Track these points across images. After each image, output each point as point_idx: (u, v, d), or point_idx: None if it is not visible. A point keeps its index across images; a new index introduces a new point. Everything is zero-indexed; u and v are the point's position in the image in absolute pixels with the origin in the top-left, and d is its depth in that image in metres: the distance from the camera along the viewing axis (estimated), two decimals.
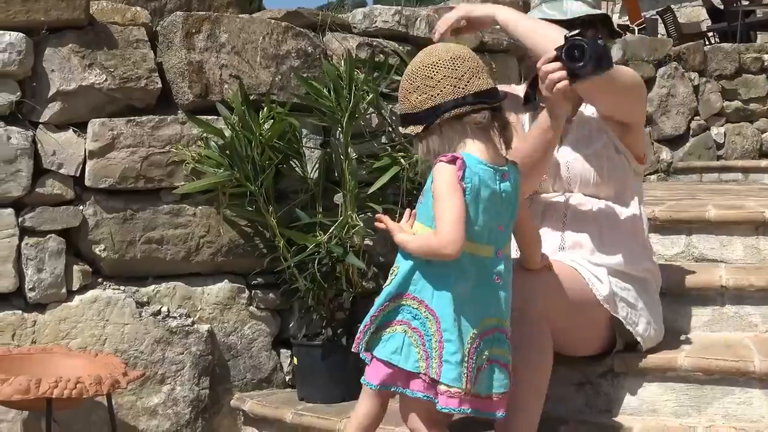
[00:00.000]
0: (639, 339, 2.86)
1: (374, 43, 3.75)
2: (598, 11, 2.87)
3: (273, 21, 3.61)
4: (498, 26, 2.90)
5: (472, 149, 2.32)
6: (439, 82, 2.32)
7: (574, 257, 2.80)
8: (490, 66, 2.63)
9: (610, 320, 2.82)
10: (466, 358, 2.30)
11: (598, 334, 2.87)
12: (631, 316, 2.83)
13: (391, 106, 3.65)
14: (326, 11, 3.87)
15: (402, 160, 3.48)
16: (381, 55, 3.74)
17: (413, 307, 2.35)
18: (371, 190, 3.48)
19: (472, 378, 2.31)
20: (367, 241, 3.69)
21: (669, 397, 2.95)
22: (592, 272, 2.77)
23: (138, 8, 3.51)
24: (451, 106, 2.31)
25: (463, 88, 2.31)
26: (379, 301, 2.39)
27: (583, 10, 2.85)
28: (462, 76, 2.32)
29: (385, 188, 3.52)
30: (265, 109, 3.40)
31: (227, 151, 3.34)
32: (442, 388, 2.30)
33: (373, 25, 3.81)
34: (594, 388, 3.02)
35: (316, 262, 3.36)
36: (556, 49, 2.44)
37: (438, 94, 2.32)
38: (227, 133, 3.34)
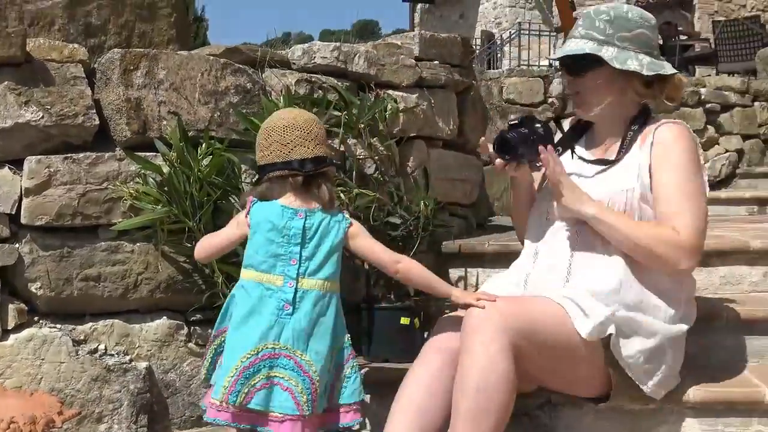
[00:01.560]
0: (640, 384, 2.83)
1: (313, 79, 3.78)
2: (585, 51, 2.85)
3: (212, 58, 3.62)
4: None
5: (281, 196, 2.84)
6: (270, 145, 2.81)
7: (573, 291, 2.79)
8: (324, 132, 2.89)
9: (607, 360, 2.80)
10: (232, 376, 2.68)
11: (592, 374, 2.85)
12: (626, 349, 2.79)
13: (330, 141, 3.68)
14: (266, 47, 3.87)
15: (341, 195, 3.50)
16: (320, 91, 3.77)
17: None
18: None
19: (238, 392, 2.66)
20: None
21: (605, 427, 2.99)
22: (584, 306, 2.73)
23: (76, 45, 3.51)
24: (278, 167, 2.80)
25: (287, 154, 2.78)
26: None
27: (574, 48, 2.88)
28: (288, 143, 2.79)
29: None
30: (204, 145, 3.41)
31: (165, 188, 3.34)
32: (210, 401, 2.77)
33: (312, 62, 3.83)
34: (531, 420, 3.05)
35: None
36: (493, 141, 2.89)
37: (269, 155, 2.81)
38: (165, 169, 3.34)
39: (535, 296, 2.83)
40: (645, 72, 2.84)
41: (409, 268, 2.87)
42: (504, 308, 2.66)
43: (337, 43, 3.87)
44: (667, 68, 2.90)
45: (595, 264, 2.84)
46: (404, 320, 3.61)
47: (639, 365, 2.78)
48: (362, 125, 3.68)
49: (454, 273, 4.24)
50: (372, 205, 3.56)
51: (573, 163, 3.00)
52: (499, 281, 3.10)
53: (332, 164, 2.93)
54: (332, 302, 2.83)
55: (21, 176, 3.29)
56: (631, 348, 2.76)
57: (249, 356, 2.70)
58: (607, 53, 2.84)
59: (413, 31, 6.05)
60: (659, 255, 2.75)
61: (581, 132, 3.09)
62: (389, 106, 3.86)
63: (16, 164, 3.31)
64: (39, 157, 3.30)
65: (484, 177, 4.75)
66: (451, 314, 3.01)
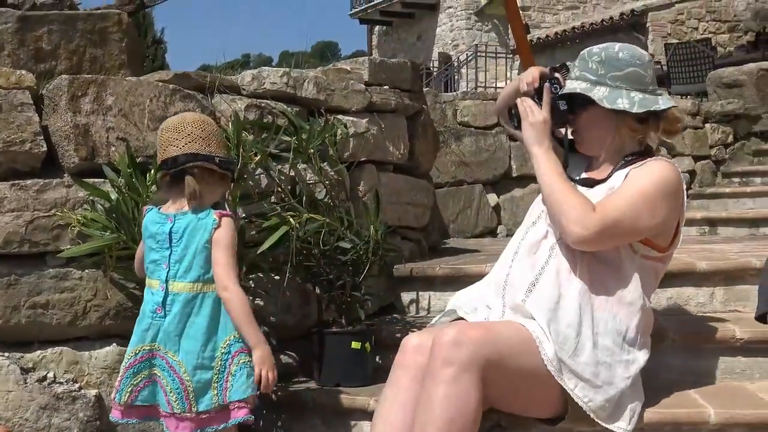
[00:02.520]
0: (591, 413, 2.82)
1: (263, 105, 3.80)
2: (576, 91, 2.95)
3: (161, 84, 3.63)
4: None
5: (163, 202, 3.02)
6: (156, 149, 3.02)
7: (537, 307, 2.83)
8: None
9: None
10: (120, 376, 2.91)
11: (550, 396, 2.86)
12: (584, 389, 2.81)
13: (279, 166, 3.70)
14: (216, 74, 3.88)
15: (291, 220, 3.50)
16: (270, 116, 3.79)
17: None
18: (260, 250, 3.49)
19: (122, 391, 2.88)
20: (258, 301, 3.71)
21: None
22: (548, 328, 2.78)
23: (23, 72, 3.50)
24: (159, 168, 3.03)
25: (162, 154, 2.94)
26: None
27: (568, 88, 2.97)
28: (162, 143, 2.95)
29: (274, 248, 3.53)
30: (153, 171, 3.40)
31: (113, 214, 3.33)
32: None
33: (262, 87, 3.86)
34: None
35: None
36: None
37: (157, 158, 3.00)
38: (113, 195, 3.33)
39: (502, 321, 2.87)
40: (635, 110, 2.91)
41: (229, 299, 2.88)
42: (475, 336, 2.71)
43: (286, 69, 3.89)
44: (661, 103, 2.95)
45: (561, 288, 2.88)
46: (355, 344, 3.62)
47: (604, 411, 2.83)
48: (312, 150, 3.68)
49: (406, 296, 4.27)
50: (322, 229, 3.56)
51: None
52: (465, 294, 3.16)
53: (206, 159, 2.91)
54: (205, 303, 2.89)
55: None
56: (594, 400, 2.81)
57: (129, 357, 2.91)
58: (598, 93, 2.92)
59: (371, 54, 6.05)
60: (562, 216, 2.83)
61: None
62: (339, 131, 3.89)
63: None
64: None
65: (435, 200, 4.76)
66: (414, 334, 3.02)
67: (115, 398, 2.92)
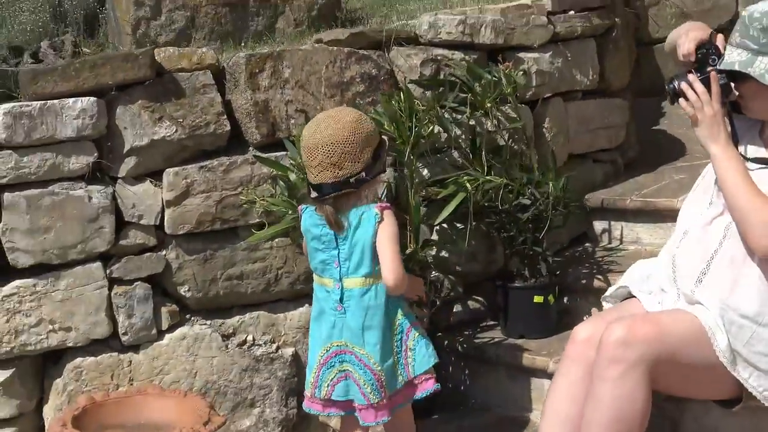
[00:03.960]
0: (766, 402, 2.80)
1: (439, 57, 3.76)
2: (734, 68, 2.73)
3: (335, 48, 3.66)
4: None
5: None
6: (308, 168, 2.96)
7: (708, 297, 2.77)
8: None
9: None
10: (315, 371, 2.96)
11: (723, 381, 2.82)
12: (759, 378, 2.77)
13: (459, 117, 3.69)
14: (391, 27, 3.84)
15: (468, 185, 3.53)
16: (447, 67, 3.75)
17: None
18: (437, 221, 3.56)
19: (320, 386, 2.96)
20: (444, 253, 3.81)
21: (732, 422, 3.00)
22: (721, 319, 2.73)
23: (204, 50, 3.60)
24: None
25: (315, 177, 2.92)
26: None
27: (727, 61, 2.76)
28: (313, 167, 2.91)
29: (455, 211, 3.58)
30: None
31: (293, 191, 3.44)
32: (305, 392, 3.06)
33: (438, 36, 3.80)
34: (659, 411, 3.03)
35: None
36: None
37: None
38: (292, 177, 3.43)
39: (672, 312, 2.84)
40: None
41: (396, 289, 2.92)
42: (643, 335, 2.69)
43: (462, 17, 3.80)
44: None
45: (736, 275, 2.79)
46: (537, 299, 3.68)
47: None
48: (488, 104, 3.64)
49: (599, 225, 4.25)
50: (500, 190, 3.57)
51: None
52: (640, 270, 3.12)
53: (348, 185, 2.87)
54: (379, 293, 2.93)
55: (161, 189, 3.48)
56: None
57: (322, 354, 2.97)
58: (761, 66, 2.69)
59: None
60: (749, 225, 2.69)
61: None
62: (521, 73, 3.81)
63: (157, 176, 3.50)
64: (176, 169, 3.48)
65: (632, 114, 4.60)
66: (584, 324, 3.04)
67: (314, 393, 3.00)
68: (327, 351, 2.96)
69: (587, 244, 4.23)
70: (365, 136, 2.87)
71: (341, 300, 2.94)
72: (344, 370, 2.94)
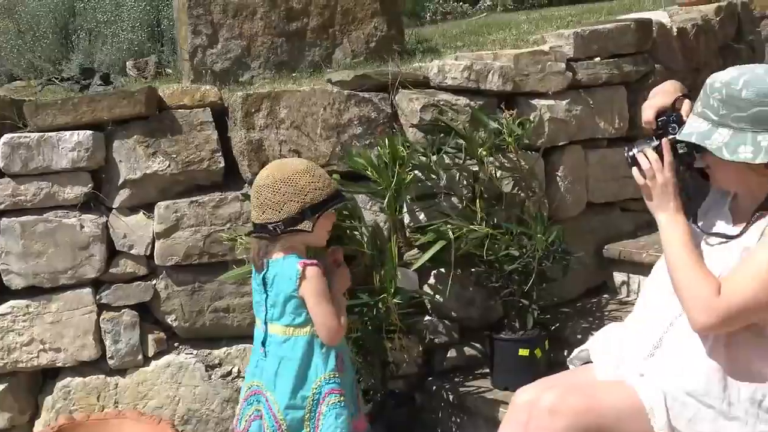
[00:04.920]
0: None
1: (441, 103, 3.73)
2: (692, 140, 2.58)
3: (335, 90, 3.69)
4: None
5: None
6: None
7: (656, 371, 2.67)
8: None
9: None
10: (240, 404, 3.08)
11: None
12: None
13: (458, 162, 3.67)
14: (398, 69, 3.84)
15: (450, 233, 3.49)
16: (450, 113, 3.72)
17: None
18: (414, 267, 3.55)
19: (240, 420, 3.04)
20: (438, 297, 3.78)
21: None
22: (663, 395, 2.62)
23: (208, 87, 3.71)
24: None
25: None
26: None
27: (685, 131, 2.62)
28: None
29: (435, 259, 3.56)
30: None
31: None
32: None
33: (444, 82, 3.78)
34: None
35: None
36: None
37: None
38: None
39: (611, 383, 2.75)
40: (758, 160, 2.51)
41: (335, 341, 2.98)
42: (572, 404, 2.63)
43: (468, 62, 3.76)
44: None
45: (686, 351, 2.68)
46: (523, 352, 3.61)
47: None
48: (484, 152, 3.59)
49: (618, 277, 4.15)
50: (486, 239, 3.52)
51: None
52: (606, 334, 3.03)
53: (265, 230, 2.94)
54: (297, 345, 2.94)
55: (153, 220, 3.61)
56: None
57: (245, 390, 3.08)
58: (718, 139, 2.55)
59: None
60: (685, 300, 2.57)
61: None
62: (531, 119, 3.75)
63: (151, 207, 3.63)
64: (167, 202, 3.60)
65: None
66: (524, 389, 2.97)
67: (236, 426, 3.09)
68: (249, 388, 3.05)
69: (605, 296, 4.12)
70: (295, 189, 2.88)
71: (264, 343, 3.02)
72: (258, 410, 3.00)
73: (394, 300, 3.44)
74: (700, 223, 2.75)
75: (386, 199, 3.47)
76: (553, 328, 3.79)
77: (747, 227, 2.64)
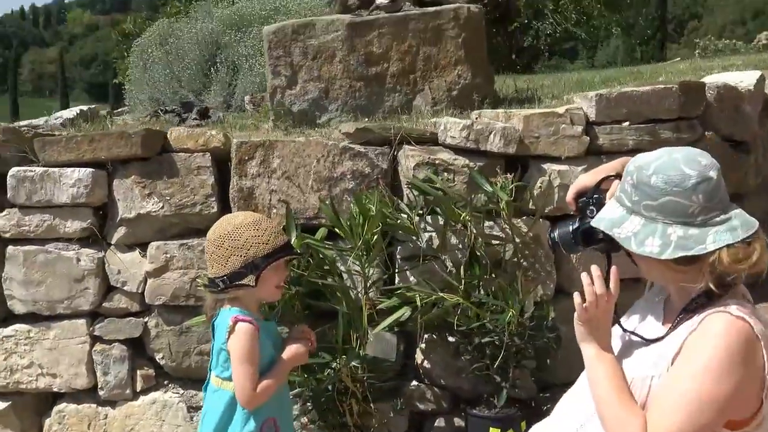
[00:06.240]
0: None
1: (437, 162, 3.60)
2: (600, 228, 2.45)
3: (329, 143, 3.66)
4: None
5: None
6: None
7: None
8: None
9: None
10: None
11: None
12: None
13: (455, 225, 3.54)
14: (400, 125, 3.74)
15: (417, 300, 3.37)
16: (445, 173, 3.59)
17: None
18: (376, 329, 3.45)
19: None
20: (426, 364, 3.66)
21: None
22: None
23: (213, 132, 3.77)
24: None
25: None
26: None
27: (598, 217, 2.50)
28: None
29: (396, 324, 3.45)
30: (295, 239, 3.49)
31: None
32: None
33: (445, 140, 3.66)
34: None
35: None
36: None
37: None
38: None
39: None
40: (664, 256, 2.29)
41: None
42: None
43: (468, 122, 3.61)
44: (709, 245, 2.28)
45: None
46: (494, 430, 3.43)
47: None
48: (467, 213, 3.45)
49: None
50: (456, 310, 3.38)
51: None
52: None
53: (214, 285, 2.84)
54: (221, 399, 2.86)
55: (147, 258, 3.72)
56: None
57: None
58: (629, 227, 2.32)
59: None
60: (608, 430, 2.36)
61: None
62: (539, 184, 3.56)
63: (146, 247, 3.74)
64: (159, 243, 3.70)
65: None
66: None
67: None
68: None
69: None
70: (237, 244, 2.83)
71: (205, 388, 2.98)
72: None
73: (353, 363, 3.37)
74: (623, 318, 2.51)
75: (352, 257, 3.41)
76: (534, 405, 3.57)
77: (669, 331, 2.38)
